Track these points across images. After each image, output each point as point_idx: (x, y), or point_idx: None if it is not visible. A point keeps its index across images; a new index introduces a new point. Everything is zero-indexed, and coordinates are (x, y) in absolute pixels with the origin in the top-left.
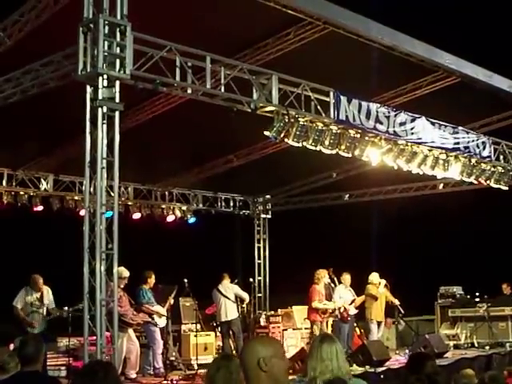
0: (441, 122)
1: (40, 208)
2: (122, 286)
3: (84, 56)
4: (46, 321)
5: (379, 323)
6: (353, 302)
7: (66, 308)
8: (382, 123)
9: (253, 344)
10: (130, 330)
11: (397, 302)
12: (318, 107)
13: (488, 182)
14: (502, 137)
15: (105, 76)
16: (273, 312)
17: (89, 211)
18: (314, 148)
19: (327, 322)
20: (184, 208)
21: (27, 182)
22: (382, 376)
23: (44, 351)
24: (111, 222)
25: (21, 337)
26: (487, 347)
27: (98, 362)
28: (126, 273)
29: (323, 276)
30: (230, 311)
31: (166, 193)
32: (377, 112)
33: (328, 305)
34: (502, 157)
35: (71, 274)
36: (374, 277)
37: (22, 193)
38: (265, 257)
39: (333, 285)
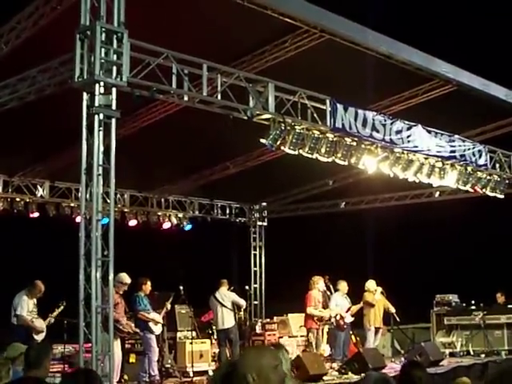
0: (437, 130)
1: (36, 214)
2: (121, 292)
3: (81, 63)
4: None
5: (377, 330)
6: (349, 309)
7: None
8: (378, 131)
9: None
10: None
11: (393, 309)
12: (315, 115)
13: (484, 190)
14: (498, 145)
15: (101, 83)
16: (269, 320)
17: (85, 218)
18: (310, 156)
19: (323, 330)
20: (180, 215)
21: (23, 189)
22: None
23: (49, 357)
24: (107, 228)
25: None
26: (483, 355)
27: (81, 369)
28: (127, 279)
29: (318, 282)
30: (226, 319)
31: (162, 200)
32: (373, 120)
33: (323, 312)
34: (497, 165)
35: (67, 281)
36: (371, 284)
37: (18, 199)
38: (261, 264)
39: (329, 292)
